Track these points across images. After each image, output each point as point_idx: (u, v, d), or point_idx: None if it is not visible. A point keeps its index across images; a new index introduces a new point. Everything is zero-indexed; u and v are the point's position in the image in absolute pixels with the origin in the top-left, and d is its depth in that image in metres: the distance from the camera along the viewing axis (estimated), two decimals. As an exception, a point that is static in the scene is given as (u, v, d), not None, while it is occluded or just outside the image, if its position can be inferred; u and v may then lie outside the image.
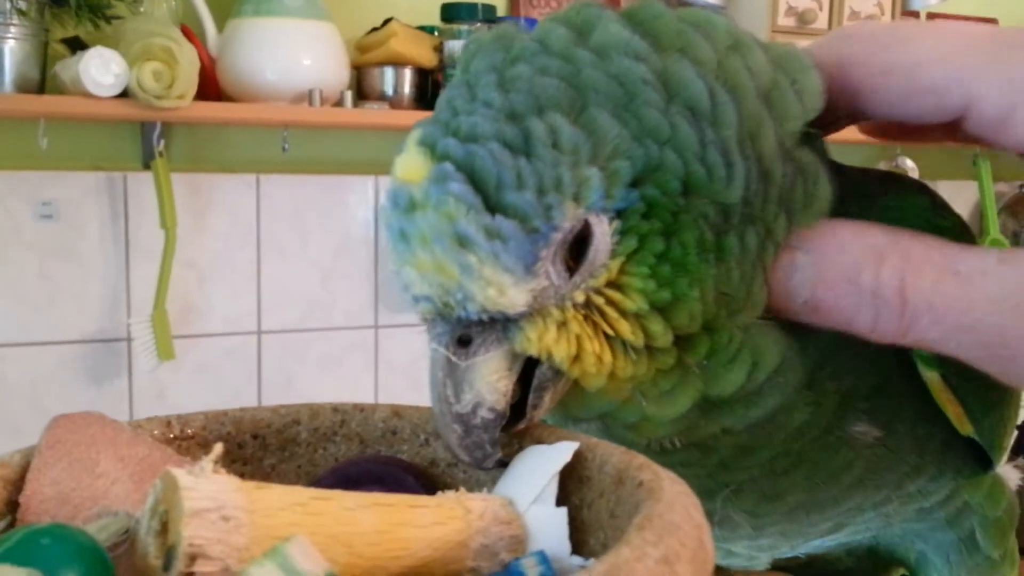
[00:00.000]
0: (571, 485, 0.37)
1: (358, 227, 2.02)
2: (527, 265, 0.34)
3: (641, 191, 0.35)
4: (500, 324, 0.36)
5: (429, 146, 0.36)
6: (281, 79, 1.77)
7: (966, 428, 0.46)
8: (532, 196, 0.34)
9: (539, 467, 0.37)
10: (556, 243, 0.35)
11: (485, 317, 0.35)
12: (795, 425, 0.42)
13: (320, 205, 1.99)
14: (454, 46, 1.92)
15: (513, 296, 0.35)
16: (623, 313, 0.36)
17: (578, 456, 0.37)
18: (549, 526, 0.35)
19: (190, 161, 1.90)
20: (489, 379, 0.36)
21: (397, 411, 0.41)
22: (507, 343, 0.36)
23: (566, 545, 0.35)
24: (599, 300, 0.36)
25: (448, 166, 0.34)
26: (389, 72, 1.93)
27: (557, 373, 0.37)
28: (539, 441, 0.38)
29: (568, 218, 0.34)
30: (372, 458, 0.40)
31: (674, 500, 0.30)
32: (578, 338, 0.36)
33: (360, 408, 0.41)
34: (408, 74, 1.94)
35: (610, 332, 0.37)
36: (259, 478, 0.40)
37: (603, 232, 0.36)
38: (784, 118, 0.37)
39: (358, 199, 2.01)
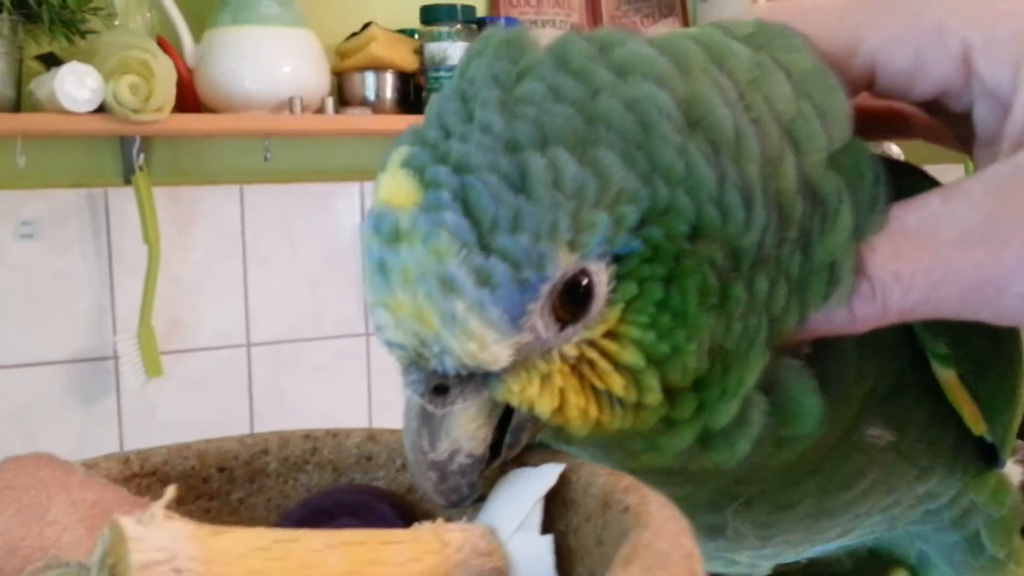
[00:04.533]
0: (556, 509, 0.35)
1: (345, 234, 2.00)
2: (513, 319, 0.31)
3: (644, 234, 0.32)
4: (480, 375, 0.33)
5: (417, 169, 0.32)
6: (260, 88, 1.74)
7: (980, 427, 0.44)
8: (527, 242, 0.30)
9: (523, 492, 0.35)
10: (545, 295, 0.32)
11: (464, 372, 0.33)
12: (811, 442, 0.40)
13: (306, 213, 1.96)
14: (434, 48, 1.90)
15: (495, 352, 0.32)
16: (617, 366, 0.33)
17: (563, 478, 0.35)
18: (534, 555, 0.33)
19: (171, 174, 1.87)
20: (467, 427, 0.34)
21: (372, 435, 0.39)
22: (487, 391, 0.33)
23: (552, 575, 0.33)
24: (592, 353, 0.33)
25: (444, 194, 0.31)
26: (370, 77, 1.91)
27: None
28: (522, 463, 0.36)
29: (560, 267, 0.31)
30: (345, 488, 0.38)
31: (662, 527, 0.28)
32: (562, 391, 0.34)
33: (333, 434, 0.39)
34: (389, 78, 1.92)
35: (599, 386, 0.34)
36: (226, 513, 0.38)
37: (601, 281, 0.32)
38: (807, 150, 0.34)
39: (344, 206, 1.99)
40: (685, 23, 2.30)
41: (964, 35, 0.34)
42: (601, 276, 0.32)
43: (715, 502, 0.44)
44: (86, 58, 1.60)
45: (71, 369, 1.79)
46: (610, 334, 0.33)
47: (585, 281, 0.32)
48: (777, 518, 0.45)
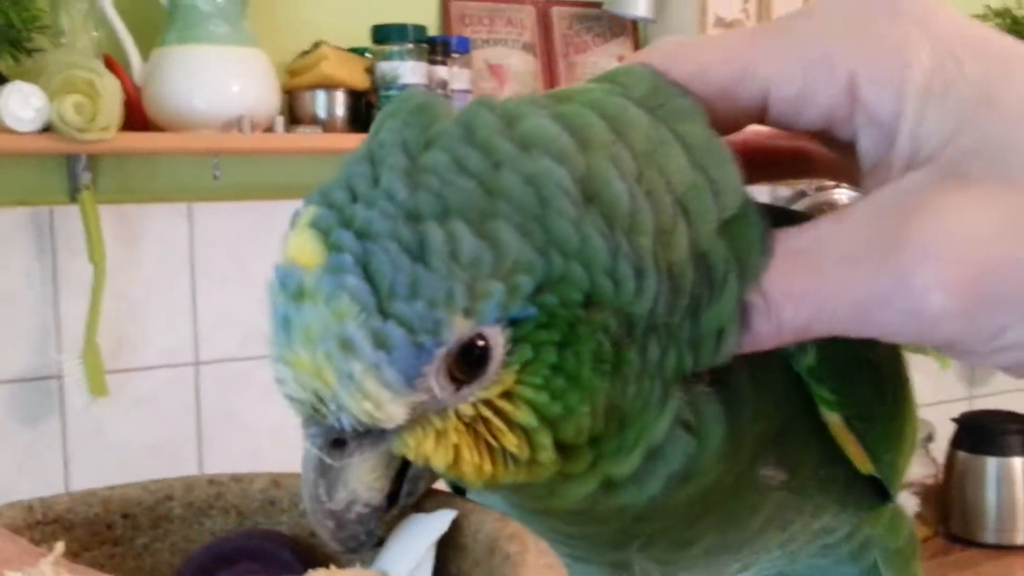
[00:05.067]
0: (449, 553, 0.36)
1: (295, 252, 2.00)
2: (408, 380, 0.33)
3: (540, 301, 0.34)
4: (377, 430, 0.35)
5: (323, 231, 0.34)
6: (209, 106, 1.74)
7: (867, 467, 0.46)
8: (423, 308, 0.32)
9: (417, 537, 0.36)
10: (440, 358, 0.33)
11: (360, 428, 0.34)
12: (712, 478, 0.42)
13: (256, 231, 1.96)
14: (386, 67, 1.91)
15: (391, 411, 0.33)
16: (511, 425, 0.35)
17: (455, 524, 0.36)
18: (425, 599, 0.35)
19: (119, 192, 1.86)
20: (365, 479, 0.35)
21: (276, 480, 0.40)
22: (384, 444, 0.35)
23: (441, 619, 0.34)
24: (487, 412, 0.35)
25: (347, 258, 0.33)
26: (321, 95, 1.91)
27: None
28: (419, 508, 0.38)
29: (456, 333, 0.33)
30: (248, 533, 0.39)
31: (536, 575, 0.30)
32: (457, 447, 0.35)
33: (237, 479, 0.40)
34: (340, 97, 1.92)
35: (494, 443, 0.35)
36: (130, 559, 0.38)
37: (497, 344, 0.34)
38: (699, 221, 0.36)
39: (294, 224, 1.99)
40: (636, 44, 2.34)
41: (850, 65, 0.35)
42: (497, 340, 0.34)
43: (618, 540, 0.46)
44: (32, 77, 1.59)
45: (14, 389, 1.77)
46: (505, 394, 0.35)
47: (481, 344, 0.34)
48: (678, 555, 0.47)
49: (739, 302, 0.36)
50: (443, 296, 0.32)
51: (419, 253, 0.32)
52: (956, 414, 2.42)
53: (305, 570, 0.36)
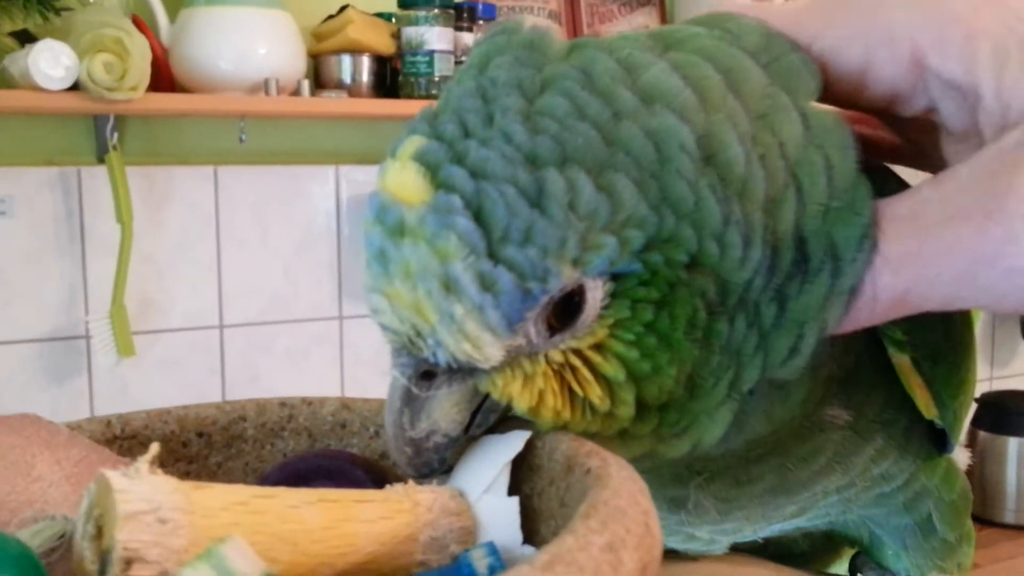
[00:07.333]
0: (522, 473, 0.36)
1: (320, 217, 2.00)
2: (511, 324, 0.33)
3: (645, 258, 0.33)
4: (467, 367, 0.34)
5: (430, 166, 0.33)
6: (236, 69, 1.74)
7: (932, 412, 0.46)
8: (536, 255, 0.32)
9: (491, 457, 0.37)
10: (543, 305, 0.33)
11: (454, 365, 0.34)
12: (784, 422, 0.42)
13: (280, 196, 1.97)
14: (411, 32, 1.90)
15: (489, 353, 0.33)
16: (597, 376, 0.35)
17: (528, 444, 0.36)
18: (500, 516, 0.35)
19: (145, 154, 1.87)
20: (448, 411, 0.36)
21: (346, 404, 0.41)
22: (471, 380, 0.35)
23: (517, 535, 0.35)
24: (576, 361, 0.35)
25: (456, 200, 0.32)
26: (347, 60, 1.91)
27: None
28: (491, 429, 0.38)
29: (563, 281, 0.33)
30: (321, 452, 0.39)
31: (621, 486, 0.30)
32: (541, 392, 0.35)
33: (308, 402, 0.40)
34: (366, 62, 1.92)
35: (578, 392, 0.35)
36: (205, 477, 0.39)
37: (595, 297, 0.34)
38: (808, 198, 0.35)
39: (319, 189, 2.00)
40: (662, 13, 2.32)
41: (914, 38, 0.35)
42: (597, 293, 0.34)
43: (679, 475, 0.46)
44: (61, 35, 1.60)
45: (43, 348, 1.78)
46: (597, 346, 0.35)
47: (581, 295, 0.34)
48: (737, 493, 0.47)
49: (825, 303, 0.36)
50: (556, 244, 0.32)
51: (537, 199, 0.32)
52: (977, 394, 2.42)
53: (379, 488, 0.36)
